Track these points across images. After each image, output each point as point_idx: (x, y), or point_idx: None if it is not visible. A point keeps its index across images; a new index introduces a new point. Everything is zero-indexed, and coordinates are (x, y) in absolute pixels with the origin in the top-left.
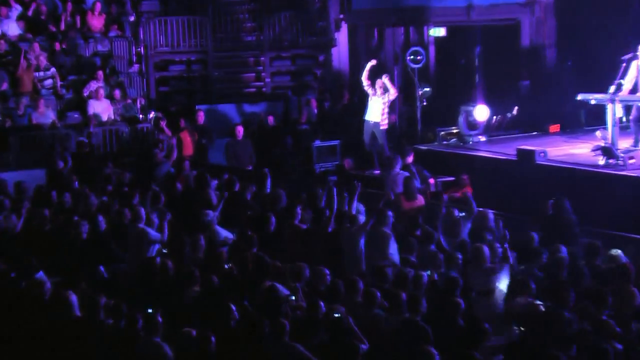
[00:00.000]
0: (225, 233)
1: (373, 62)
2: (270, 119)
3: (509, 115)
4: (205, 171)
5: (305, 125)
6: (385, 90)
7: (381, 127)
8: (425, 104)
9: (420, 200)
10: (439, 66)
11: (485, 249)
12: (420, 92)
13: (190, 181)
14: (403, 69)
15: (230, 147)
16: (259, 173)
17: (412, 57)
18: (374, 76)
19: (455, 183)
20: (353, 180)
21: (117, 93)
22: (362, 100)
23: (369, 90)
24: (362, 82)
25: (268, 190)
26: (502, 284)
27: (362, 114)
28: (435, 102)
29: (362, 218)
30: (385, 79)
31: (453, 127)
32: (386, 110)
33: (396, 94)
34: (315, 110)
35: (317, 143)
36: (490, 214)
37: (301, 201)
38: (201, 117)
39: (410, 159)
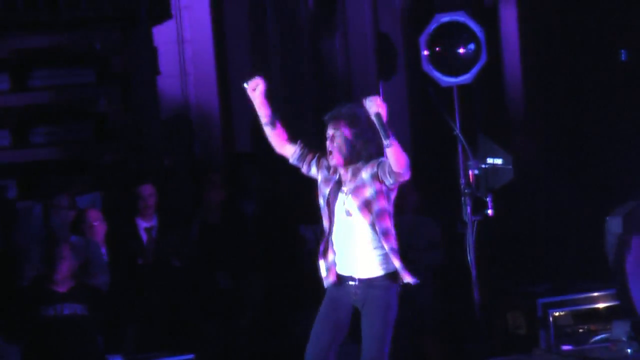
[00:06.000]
0: None
1: (255, 86)
2: None
3: None
4: None
5: (53, 309)
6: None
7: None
8: (491, 213)
9: None
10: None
11: None
12: (474, 172)
13: None
14: (413, 103)
15: None
16: None
17: (435, 52)
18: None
19: None
20: None
21: None
22: (294, 196)
23: (313, 170)
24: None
25: None
26: None
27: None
28: (530, 191)
29: None
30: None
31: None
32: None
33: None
34: (102, 237)
35: None
36: None
37: None
38: None
39: None
